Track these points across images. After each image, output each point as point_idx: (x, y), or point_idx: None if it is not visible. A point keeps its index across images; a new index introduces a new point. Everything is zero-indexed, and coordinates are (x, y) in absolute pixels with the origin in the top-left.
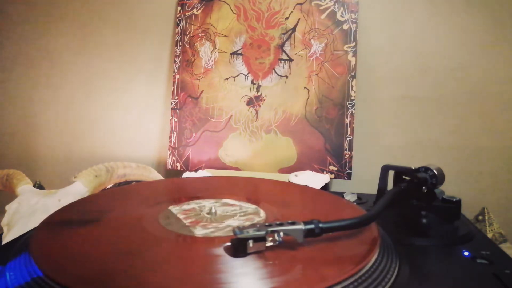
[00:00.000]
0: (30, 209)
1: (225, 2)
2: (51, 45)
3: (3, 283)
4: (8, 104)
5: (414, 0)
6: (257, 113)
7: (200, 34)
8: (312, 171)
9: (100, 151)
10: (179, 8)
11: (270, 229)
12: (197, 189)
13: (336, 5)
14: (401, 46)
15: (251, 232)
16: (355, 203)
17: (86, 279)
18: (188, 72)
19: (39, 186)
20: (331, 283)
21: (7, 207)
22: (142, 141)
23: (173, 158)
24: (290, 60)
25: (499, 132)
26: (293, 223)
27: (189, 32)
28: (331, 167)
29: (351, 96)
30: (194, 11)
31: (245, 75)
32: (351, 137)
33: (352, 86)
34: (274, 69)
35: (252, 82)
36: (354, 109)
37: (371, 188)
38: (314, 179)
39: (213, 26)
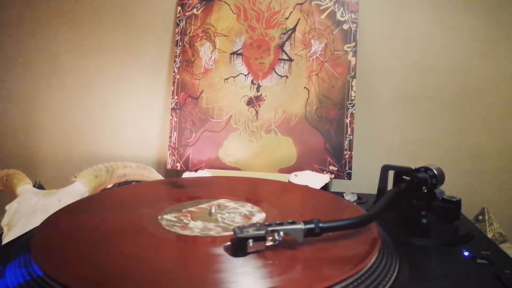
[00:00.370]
0: (30, 209)
1: (225, 2)
2: (51, 45)
3: (3, 283)
4: (8, 104)
5: (414, 0)
6: (257, 113)
7: (200, 34)
8: (312, 171)
9: (100, 151)
10: (179, 8)
11: (270, 228)
12: (196, 189)
13: (336, 5)
14: (401, 46)
15: (251, 232)
16: (355, 203)
17: (86, 279)
18: (188, 72)
19: (39, 186)
20: (331, 283)
21: (7, 207)
22: (142, 141)
23: (173, 158)
24: (290, 60)
25: (499, 132)
26: (293, 223)
27: (189, 32)
28: (331, 167)
29: (351, 96)
30: (194, 11)
31: (245, 75)
32: (351, 137)
33: (352, 86)
34: (274, 69)
35: (252, 82)
36: (354, 109)
37: (371, 188)
38: (314, 179)
39: (213, 26)
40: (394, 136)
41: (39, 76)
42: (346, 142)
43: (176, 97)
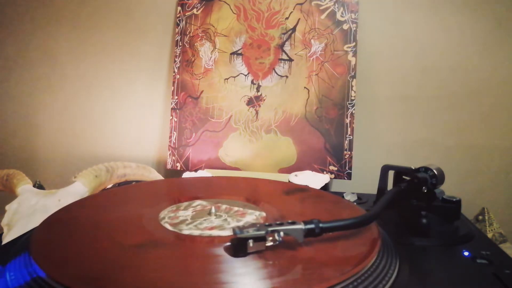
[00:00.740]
0: (30, 209)
1: (225, 2)
2: (51, 46)
3: (3, 283)
4: (8, 104)
5: (414, 0)
6: (257, 113)
7: (200, 34)
8: (312, 171)
9: (100, 151)
10: (179, 8)
11: (270, 229)
12: (197, 189)
13: (336, 5)
14: (401, 46)
15: (251, 232)
16: (355, 203)
17: (86, 279)
18: (188, 72)
19: (39, 186)
20: (331, 283)
21: (7, 207)
22: (142, 141)
23: (173, 158)
24: (290, 60)
25: (499, 132)
26: (293, 223)
27: (189, 32)
28: (331, 167)
29: (351, 96)
30: (194, 11)
31: (245, 75)
32: (351, 137)
33: (352, 86)
34: (274, 69)
35: (252, 82)
36: (354, 109)
37: (371, 188)
38: (314, 179)
39: (213, 26)
40: (394, 136)
41: (39, 76)
42: (346, 142)
43: (176, 97)
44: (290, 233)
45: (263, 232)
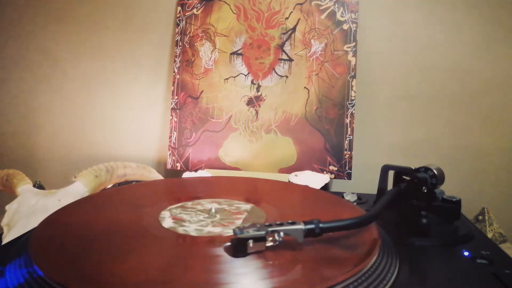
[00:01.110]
0: (30, 209)
1: (225, 2)
2: (51, 46)
3: (3, 283)
4: (8, 104)
5: (414, 0)
6: (257, 113)
7: (200, 34)
8: (312, 171)
9: (100, 151)
10: (179, 8)
11: (270, 229)
12: (197, 189)
13: (336, 5)
14: (401, 46)
15: (251, 232)
16: (355, 203)
17: (86, 279)
18: (188, 72)
19: (39, 186)
20: (331, 283)
21: (7, 207)
22: (142, 141)
23: (173, 158)
24: (290, 60)
25: (499, 132)
26: (293, 223)
27: (189, 32)
28: (331, 167)
29: (351, 96)
30: (194, 11)
31: (245, 75)
32: (351, 137)
33: (352, 86)
34: (274, 69)
35: (252, 82)
36: (354, 109)
37: (371, 188)
38: (314, 179)
39: (213, 26)
40: (394, 136)
41: (39, 76)
42: (346, 142)
43: (176, 97)
44: (290, 233)
45: (263, 232)
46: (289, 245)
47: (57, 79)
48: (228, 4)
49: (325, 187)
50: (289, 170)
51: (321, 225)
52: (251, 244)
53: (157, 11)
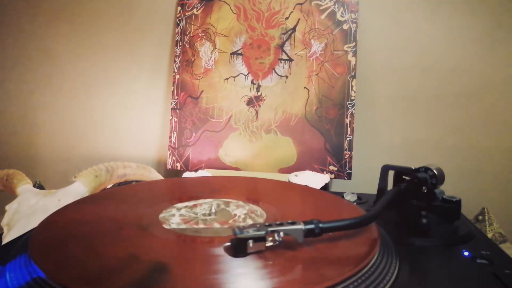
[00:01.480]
0: (30, 209)
1: (225, 2)
2: (51, 46)
3: (3, 283)
4: (8, 104)
5: (414, 0)
6: (257, 113)
7: (200, 34)
8: (312, 171)
9: (100, 151)
10: (179, 8)
11: (270, 229)
12: (197, 189)
13: (336, 5)
14: (401, 46)
15: (251, 232)
16: (355, 203)
17: (86, 279)
18: (188, 72)
19: (39, 186)
20: (331, 283)
21: (7, 207)
22: (142, 141)
23: (173, 158)
24: (290, 60)
25: (499, 132)
26: (293, 223)
27: (189, 32)
28: (331, 167)
29: (351, 96)
30: (194, 11)
31: (245, 75)
32: (351, 137)
33: (352, 86)
34: (274, 69)
35: (252, 82)
36: (354, 109)
37: (371, 188)
38: (314, 179)
39: (213, 26)
40: (394, 136)
41: (39, 76)
42: (346, 142)
43: (176, 97)
44: (290, 233)
45: (263, 232)
46: (289, 245)
47: (57, 79)
48: (228, 4)
49: (325, 187)
50: (289, 170)
51: (321, 225)
52: (251, 244)
53: (157, 11)
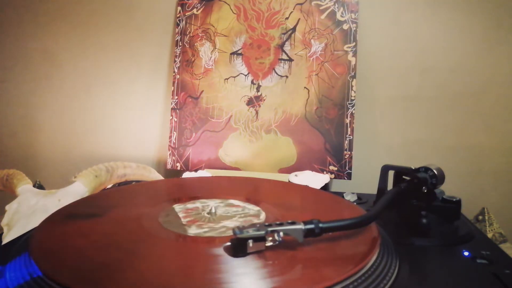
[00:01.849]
0: (30, 209)
1: (225, 2)
2: (51, 46)
3: (3, 283)
4: (8, 104)
5: (414, 0)
6: (257, 113)
7: (200, 34)
8: (312, 171)
9: (100, 151)
10: (179, 8)
11: (270, 229)
12: (197, 189)
13: (336, 5)
14: (401, 46)
15: (251, 232)
16: (355, 203)
17: (86, 279)
18: (188, 72)
19: (39, 186)
20: (331, 283)
21: (7, 207)
22: (142, 141)
23: (173, 158)
24: (290, 60)
25: (499, 132)
26: (293, 223)
27: (189, 32)
28: (331, 167)
29: (351, 96)
30: (194, 11)
31: (245, 75)
32: (351, 137)
33: (352, 86)
34: (274, 69)
35: (252, 82)
36: (354, 109)
37: (371, 188)
38: (314, 179)
39: (213, 26)
40: (394, 136)
41: (39, 76)
42: (346, 142)
43: (176, 97)
44: (290, 233)
45: (262, 232)
46: (289, 245)
47: (57, 79)
48: (228, 4)
49: (325, 187)
50: (289, 170)
51: (321, 225)
52: (251, 244)
53: (157, 11)
